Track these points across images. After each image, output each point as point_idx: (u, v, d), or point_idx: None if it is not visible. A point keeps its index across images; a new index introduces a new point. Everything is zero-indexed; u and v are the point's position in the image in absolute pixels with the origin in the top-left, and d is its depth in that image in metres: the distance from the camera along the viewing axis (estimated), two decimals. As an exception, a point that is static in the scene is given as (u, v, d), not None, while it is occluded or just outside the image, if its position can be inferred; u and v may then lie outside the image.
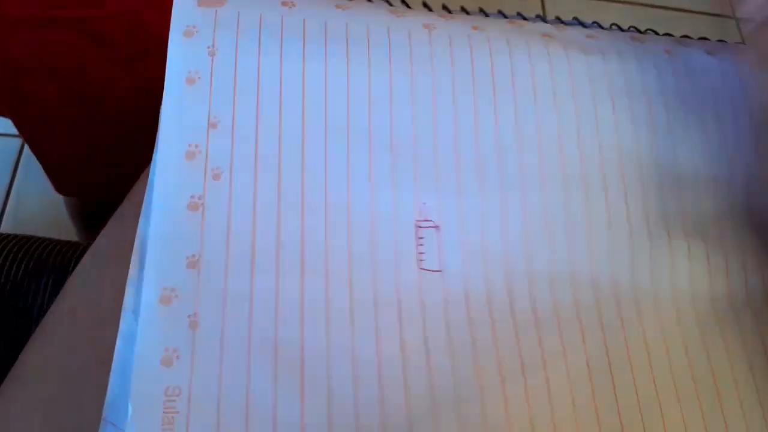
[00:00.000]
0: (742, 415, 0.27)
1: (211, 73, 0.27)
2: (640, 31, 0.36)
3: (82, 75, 0.37)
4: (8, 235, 0.43)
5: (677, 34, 0.37)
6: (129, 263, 0.25)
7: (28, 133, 0.42)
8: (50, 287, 0.39)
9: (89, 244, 0.40)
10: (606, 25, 0.37)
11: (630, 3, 1.20)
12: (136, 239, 0.24)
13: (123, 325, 0.22)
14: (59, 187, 0.58)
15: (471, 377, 0.25)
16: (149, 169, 0.27)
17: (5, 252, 0.41)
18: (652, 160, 0.30)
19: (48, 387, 0.29)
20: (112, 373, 0.21)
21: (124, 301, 0.23)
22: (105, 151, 0.33)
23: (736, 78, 0.33)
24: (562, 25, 0.35)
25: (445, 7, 0.34)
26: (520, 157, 0.29)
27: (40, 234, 0.46)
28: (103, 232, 0.36)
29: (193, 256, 0.24)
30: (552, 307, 0.27)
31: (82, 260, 0.35)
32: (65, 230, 0.67)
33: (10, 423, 0.27)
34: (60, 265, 0.40)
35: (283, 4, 0.29)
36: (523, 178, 0.29)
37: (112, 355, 0.23)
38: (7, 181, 0.90)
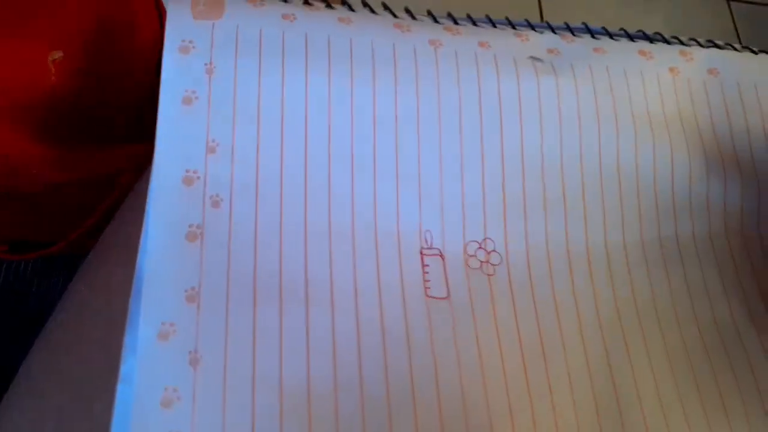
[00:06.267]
0: None
1: (209, 92, 0.26)
2: (650, 40, 0.35)
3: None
4: None
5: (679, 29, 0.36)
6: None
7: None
8: (61, 286, 0.38)
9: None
10: (614, 29, 0.36)
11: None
12: (135, 271, 0.23)
13: (123, 368, 0.22)
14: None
15: (482, 404, 0.25)
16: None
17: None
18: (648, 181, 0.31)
19: (59, 396, 0.28)
20: (113, 421, 0.21)
21: (124, 341, 0.22)
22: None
23: None
24: (569, 34, 0.34)
25: (450, 16, 0.33)
26: (525, 182, 0.28)
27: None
28: (110, 227, 0.35)
29: (192, 288, 0.23)
30: (558, 331, 0.27)
31: (87, 258, 0.34)
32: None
33: None
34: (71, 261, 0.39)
35: (284, 17, 0.28)
36: (527, 202, 0.28)
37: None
38: None
